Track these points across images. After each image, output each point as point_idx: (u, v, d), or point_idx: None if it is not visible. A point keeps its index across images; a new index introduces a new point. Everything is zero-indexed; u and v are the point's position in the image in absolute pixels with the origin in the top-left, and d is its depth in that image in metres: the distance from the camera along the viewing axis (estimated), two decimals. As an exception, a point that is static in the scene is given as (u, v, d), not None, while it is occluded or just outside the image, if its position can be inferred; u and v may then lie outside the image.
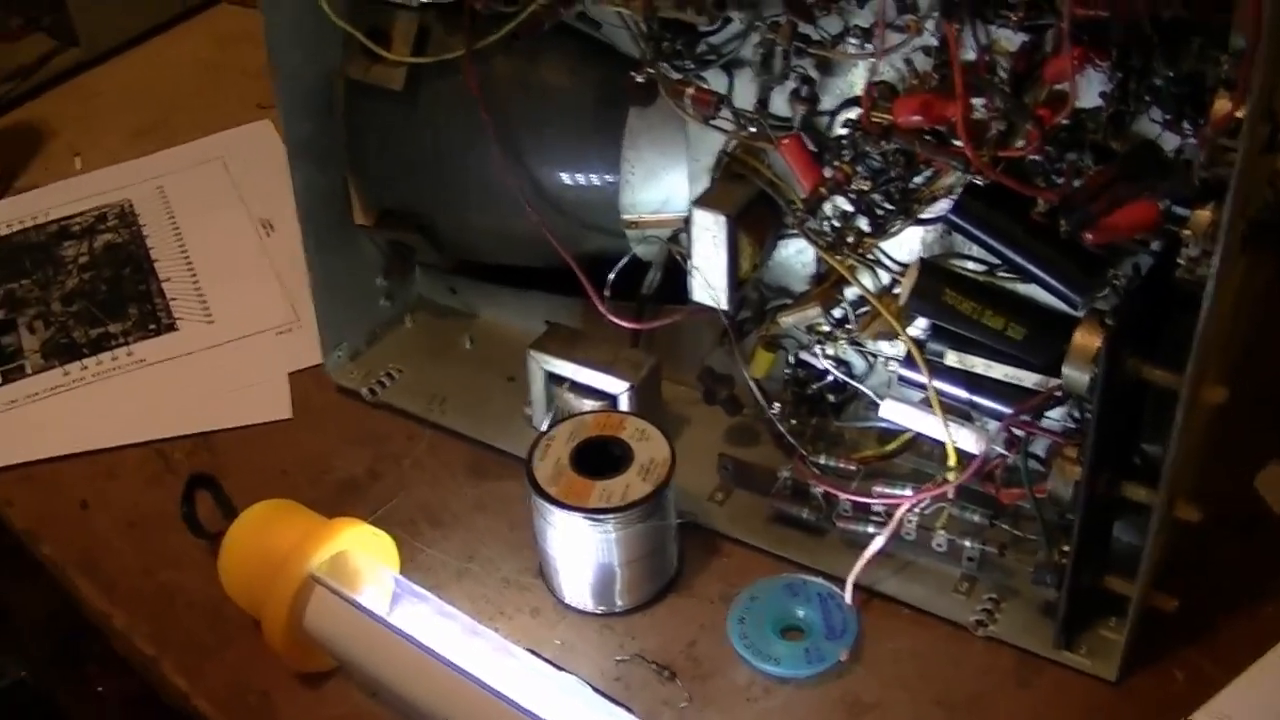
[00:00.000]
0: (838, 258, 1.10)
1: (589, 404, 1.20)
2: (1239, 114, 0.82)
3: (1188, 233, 0.88)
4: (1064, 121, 0.93)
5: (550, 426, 1.13)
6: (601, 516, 1.06)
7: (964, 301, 1.04)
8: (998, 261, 1.06)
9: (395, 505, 1.22)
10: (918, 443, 1.16)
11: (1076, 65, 0.90)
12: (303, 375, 1.37)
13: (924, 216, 1.07)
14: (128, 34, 1.96)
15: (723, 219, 1.09)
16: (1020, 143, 0.96)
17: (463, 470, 1.25)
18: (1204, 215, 0.87)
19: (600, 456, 1.10)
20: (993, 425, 1.09)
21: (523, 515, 1.14)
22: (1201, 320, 0.87)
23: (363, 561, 1.06)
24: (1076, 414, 1.06)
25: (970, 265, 1.09)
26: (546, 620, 1.12)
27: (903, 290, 1.07)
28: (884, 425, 1.16)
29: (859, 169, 1.06)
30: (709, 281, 1.13)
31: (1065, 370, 0.99)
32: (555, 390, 1.22)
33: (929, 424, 1.11)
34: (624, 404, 1.18)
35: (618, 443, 1.10)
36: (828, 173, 1.07)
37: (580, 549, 1.08)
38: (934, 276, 1.06)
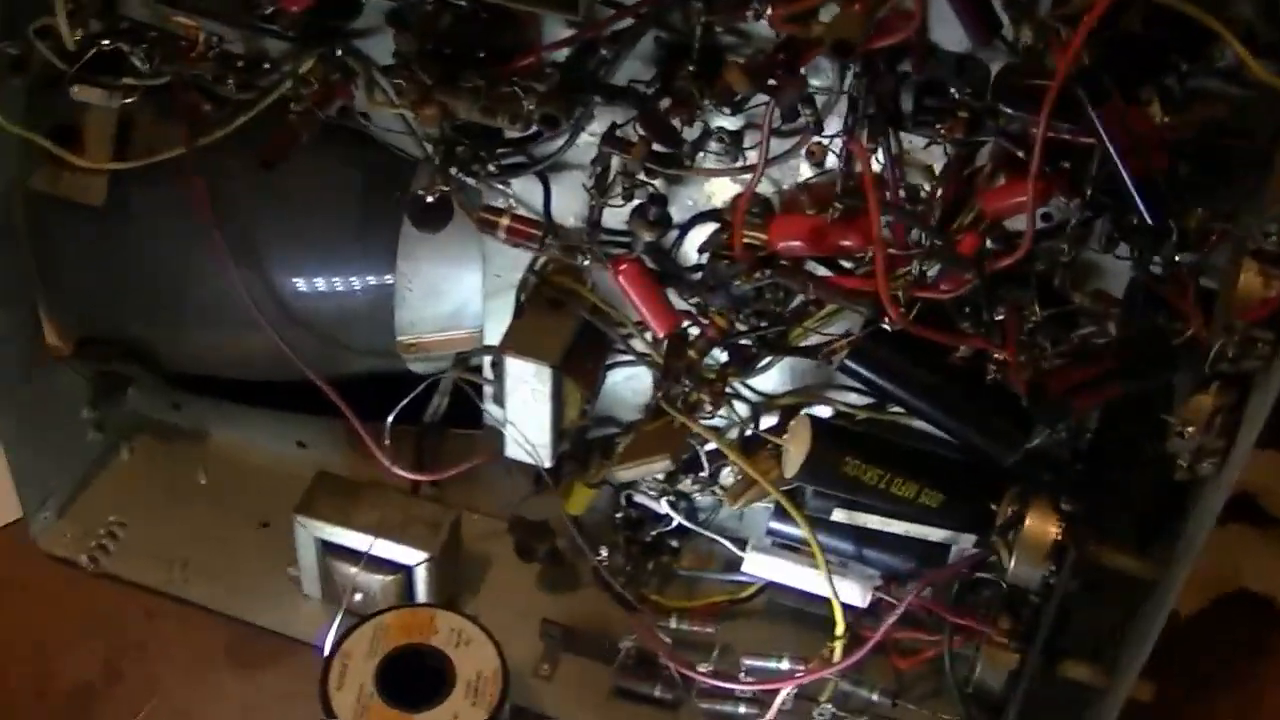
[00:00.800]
0: (692, 407, 0.88)
1: (378, 580, 0.96)
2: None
3: (1189, 427, 0.68)
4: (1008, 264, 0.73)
5: (337, 640, 0.88)
6: (428, 766, 0.83)
7: (868, 470, 0.83)
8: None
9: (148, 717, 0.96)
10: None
11: (1037, 201, 0.69)
12: (2, 536, 1.07)
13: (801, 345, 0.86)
14: None
15: (546, 370, 0.86)
16: (939, 280, 0.75)
17: (222, 657, 1.01)
18: (1205, 402, 0.68)
19: (413, 674, 0.87)
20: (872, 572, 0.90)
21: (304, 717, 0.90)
22: (1203, 519, 0.69)
23: None
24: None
25: (851, 398, 0.88)
26: None
27: (788, 461, 0.86)
28: (743, 579, 0.96)
29: (721, 301, 0.83)
30: (527, 437, 0.90)
31: (1014, 566, 0.79)
32: (331, 561, 0.98)
33: (805, 578, 0.92)
34: (421, 578, 0.95)
35: (432, 652, 0.87)
36: (691, 322, 0.84)
37: (394, 798, 0.85)
38: (829, 442, 0.84)
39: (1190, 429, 0.68)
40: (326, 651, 0.88)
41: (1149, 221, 0.64)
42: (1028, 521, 0.79)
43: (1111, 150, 0.63)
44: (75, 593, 1.04)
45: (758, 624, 0.99)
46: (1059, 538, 0.78)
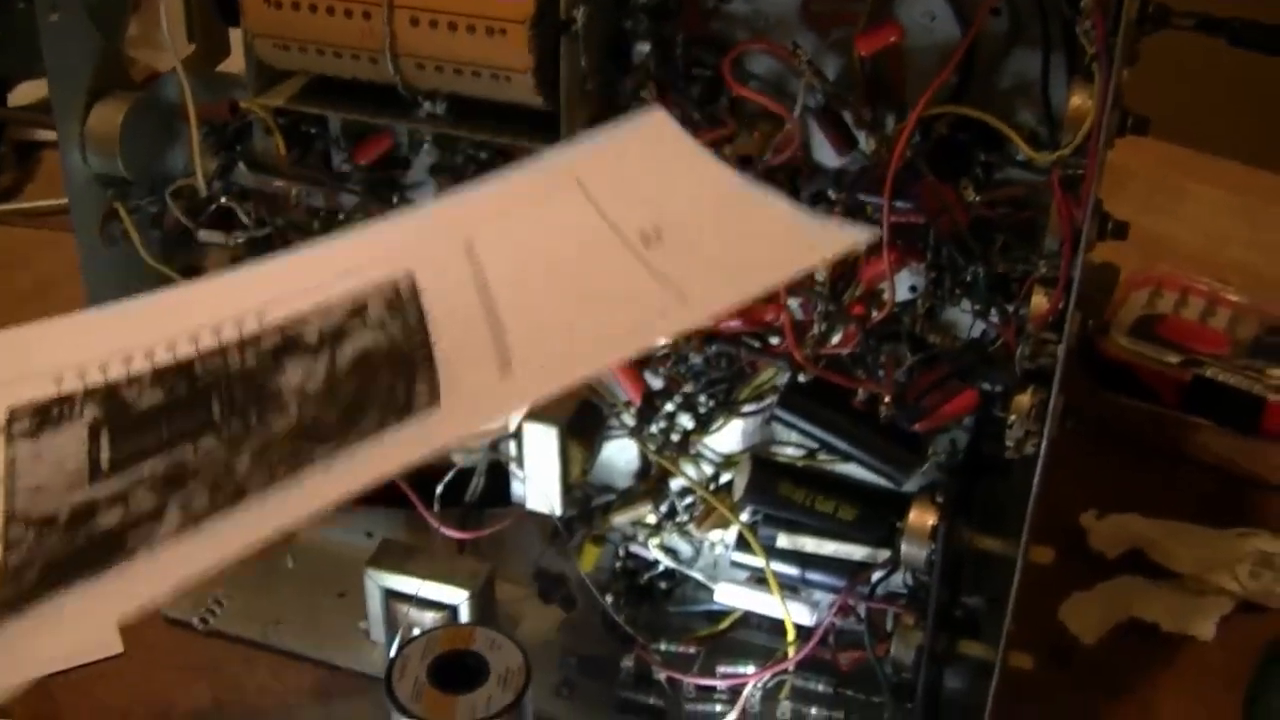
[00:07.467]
0: (667, 456, 1.15)
1: (430, 615, 1.22)
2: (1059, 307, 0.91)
3: (1013, 416, 0.94)
4: (881, 318, 1.01)
5: (399, 647, 1.15)
6: (469, 731, 1.10)
7: (797, 491, 1.10)
8: (818, 446, 1.12)
9: (246, 736, 1.23)
10: (747, 617, 1.21)
11: (894, 267, 0.98)
12: (128, 609, 1.35)
13: (746, 410, 1.13)
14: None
15: (553, 431, 1.13)
16: (838, 339, 1.03)
17: (308, 693, 1.26)
18: (1025, 400, 0.94)
19: (457, 671, 1.12)
20: (821, 596, 1.15)
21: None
22: (1034, 494, 0.94)
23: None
24: (910, 581, 1.12)
25: (790, 450, 1.15)
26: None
27: (735, 487, 1.13)
28: (716, 608, 1.21)
29: (680, 370, 1.11)
30: (543, 491, 1.16)
31: (905, 548, 1.05)
32: (393, 605, 1.24)
33: (763, 602, 1.17)
34: (465, 613, 1.21)
35: (471, 655, 1.13)
36: (657, 382, 1.12)
37: (447, 766, 1.12)
38: (766, 472, 1.11)
39: (1013, 417, 0.94)
40: (390, 655, 1.14)
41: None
42: (911, 514, 1.04)
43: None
44: (187, 644, 1.31)
45: (731, 644, 1.24)
46: (934, 522, 1.03)
